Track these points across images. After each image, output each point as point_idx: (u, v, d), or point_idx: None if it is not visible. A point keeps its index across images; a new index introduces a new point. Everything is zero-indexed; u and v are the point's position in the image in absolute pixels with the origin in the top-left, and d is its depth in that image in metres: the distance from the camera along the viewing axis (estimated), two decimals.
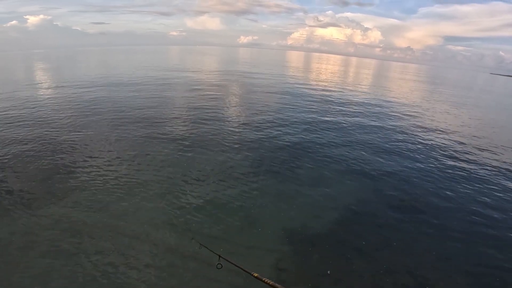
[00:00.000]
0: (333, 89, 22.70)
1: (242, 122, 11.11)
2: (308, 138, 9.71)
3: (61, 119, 10.50)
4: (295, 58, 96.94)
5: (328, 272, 4.13)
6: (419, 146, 9.80)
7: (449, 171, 7.89)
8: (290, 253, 4.44)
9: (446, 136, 11.41)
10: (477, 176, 7.67)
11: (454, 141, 10.87)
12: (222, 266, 2.62)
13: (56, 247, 4.27)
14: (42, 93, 15.66)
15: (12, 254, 4.12)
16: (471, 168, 8.19)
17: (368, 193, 6.42)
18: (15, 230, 4.59)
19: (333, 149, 8.85)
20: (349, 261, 4.38)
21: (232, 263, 2.58)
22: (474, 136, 11.86)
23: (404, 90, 27.91)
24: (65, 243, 4.34)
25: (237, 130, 10.02)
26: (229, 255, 4.20)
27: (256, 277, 2.18)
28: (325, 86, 24.38)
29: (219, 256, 2.71)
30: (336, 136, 10.15)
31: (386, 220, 5.49)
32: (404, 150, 9.26)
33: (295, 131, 10.37)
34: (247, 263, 4.11)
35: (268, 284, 1.97)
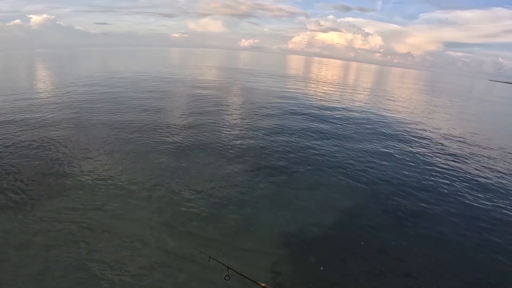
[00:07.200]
0: (332, 96, 22.82)
1: (240, 127, 11.14)
2: (305, 144, 9.72)
3: (59, 119, 10.49)
4: (295, 63, 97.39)
5: (321, 268, 4.13)
6: (416, 153, 9.83)
7: (446, 177, 7.91)
8: (287, 256, 4.42)
9: (444, 143, 11.45)
10: (474, 182, 7.70)
11: (451, 148, 10.92)
12: (230, 278, 2.65)
13: (51, 247, 4.24)
14: (40, 93, 15.66)
15: (7, 253, 4.10)
16: (468, 174, 8.21)
17: (365, 198, 6.42)
18: (10, 229, 4.56)
19: (331, 154, 8.87)
20: (345, 264, 4.37)
21: (240, 274, 2.61)
22: (472, 143, 11.92)
23: (404, 97, 28.04)
24: (61, 243, 4.32)
25: (235, 135, 10.04)
26: (225, 257, 4.22)
27: (263, 287, 2.23)
28: (324, 93, 24.50)
29: (228, 268, 2.73)
30: (333, 142, 10.18)
31: (382, 224, 5.49)
32: (401, 157, 9.29)
33: (293, 137, 10.39)
34: (244, 265, 4.12)
35: None
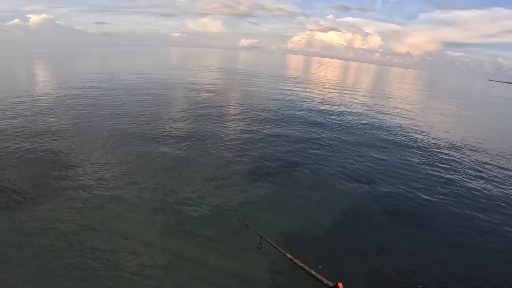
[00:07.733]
0: (332, 96, 22.85)
1: (240, 127, 11.14)
2: (305, 143, 9.73)
3: (59, 120, 10.49)
4: (295, 63, 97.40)
5: (320, 267, 4.14)
6: (416, 152, 9.84)
7: (446, 177, 7.92)
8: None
9: (444, 143, 11.46)
10: (474, 182, 7.70)
11: (451, 147, 10.93)
12: (262, 246, 3.08)
13: (50, 246, 4.24)
14: (40, 94, 15.64)
15: (5, 253, 4.10)
16: (468, 174, 8.22)
17: (364, 197, 6.42)
18: (8, 229, 4.56)
19: (331, 154, 8.89)
20: (344, 264, 4.38)
21: (271, 244, 2.96)
22: (472, 143, 11.93)
23: (403, 97, 28.07)
24: (59, 243, 4.32)
25: (235, 135, 10.04)
26: (224, 257, 4.24)
27: (289, 258, 2.39)
28: (324, 93, 24.53)
29: (261, 236, 3.11)
30: (333, 141, 10.18)
31: (381, 224, 5.50)
32: (401, 156, 9.30)
33: (292, 136, 10.40)
34: (243, 265, 4.14)
35: (299, 265, 2.15)
